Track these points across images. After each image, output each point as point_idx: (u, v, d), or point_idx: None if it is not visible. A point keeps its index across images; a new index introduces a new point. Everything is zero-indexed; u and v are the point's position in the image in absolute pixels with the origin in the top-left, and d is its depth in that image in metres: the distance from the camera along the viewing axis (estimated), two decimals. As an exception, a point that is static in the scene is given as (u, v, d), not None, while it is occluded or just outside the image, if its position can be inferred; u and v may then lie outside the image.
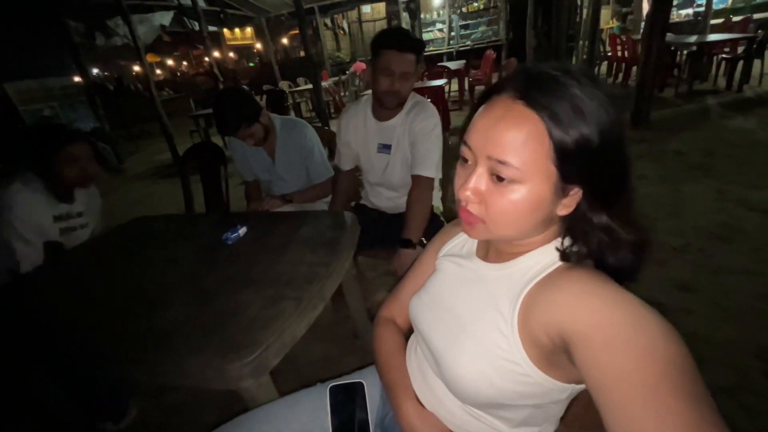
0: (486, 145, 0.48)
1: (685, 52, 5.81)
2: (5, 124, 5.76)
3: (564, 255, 0.51)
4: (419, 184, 1.39)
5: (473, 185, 0.50)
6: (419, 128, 1.39)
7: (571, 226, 0.51)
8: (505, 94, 0.48)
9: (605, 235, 0.49)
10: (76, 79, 6.35)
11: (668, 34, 4.17)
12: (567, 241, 0.52)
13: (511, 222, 0.50)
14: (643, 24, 7.99)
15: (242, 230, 1.29)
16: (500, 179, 0.48)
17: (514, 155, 0.46)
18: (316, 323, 0.93)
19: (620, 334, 0.40)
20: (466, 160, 0.52)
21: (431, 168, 1.39)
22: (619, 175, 0.48)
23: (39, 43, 6.09)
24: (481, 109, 0.51)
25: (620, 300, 0.43)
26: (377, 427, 0.75)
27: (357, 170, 1.68)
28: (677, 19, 10.03)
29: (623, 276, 0.49)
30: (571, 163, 0.45)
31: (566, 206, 0.50)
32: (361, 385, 0.64)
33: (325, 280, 0.98)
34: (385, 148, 1.49)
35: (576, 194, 0.48)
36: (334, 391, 0.64)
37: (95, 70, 13.02)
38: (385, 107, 1.40)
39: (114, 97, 9.74)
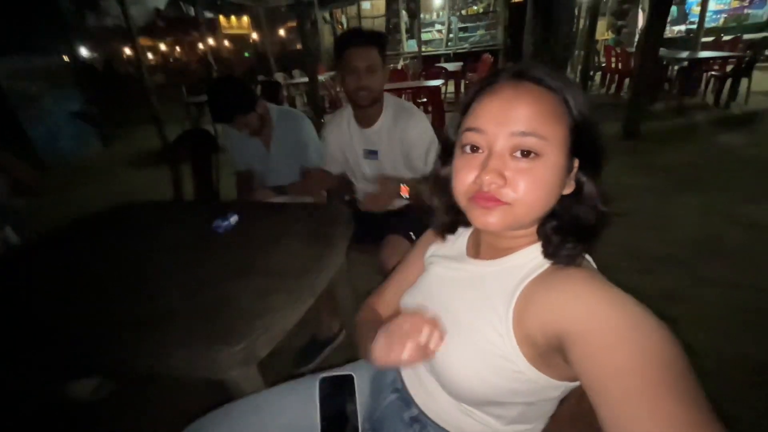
0: (507, 123, 0.49)
1: (676, 67, 5.94)
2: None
3: (553, 254, 0.52)
4: None
5: (496, 167, 0.49)
6: (414, 135, 1.37)
7: (562, 209, 0.53)
8: (505, 81, 0.52)
9: (588, 204, 0.52)
10: (65, 58, 6.15)
11: (661, 49, 4.26)
12: (555, 239, 0.52)
13: (539, 198, 0.50)
14: (637, 37, 8.14)
15: (233, 219, 1.26)
16: (525, 155, 0.48)
17: (541, 125, 0.48)
18: (306, 316, 0.91)
19: (617, 333, 0.40)
20: (476, 149, 0.52)
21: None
22: (601, 148, 0.53)
23: (27, 19, 5.87)
24: (481, 97, 0.52)
25: (616, 299, 0.43)
26: (366, 421, 0.74)
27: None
28: (670, 35, 10.24)
29: (588, 236, 0.52)
30: (580, 133, 0.51)
31: (569, 186, 0.53)
32: (351, 377, 0.63)
33: (317, 274, 0.97)
34: (372, 153, 1.47)
35: (574, 171, 0.52)
36: (324, 384, 0.63)
37: (84, 51, 12.69)
38: (360, 106, 1.37)
39: (103, 79, 9.52)
